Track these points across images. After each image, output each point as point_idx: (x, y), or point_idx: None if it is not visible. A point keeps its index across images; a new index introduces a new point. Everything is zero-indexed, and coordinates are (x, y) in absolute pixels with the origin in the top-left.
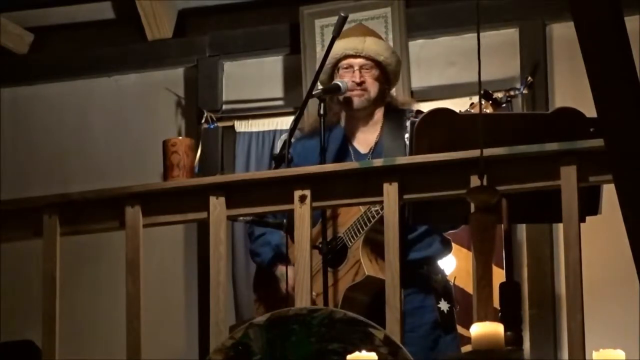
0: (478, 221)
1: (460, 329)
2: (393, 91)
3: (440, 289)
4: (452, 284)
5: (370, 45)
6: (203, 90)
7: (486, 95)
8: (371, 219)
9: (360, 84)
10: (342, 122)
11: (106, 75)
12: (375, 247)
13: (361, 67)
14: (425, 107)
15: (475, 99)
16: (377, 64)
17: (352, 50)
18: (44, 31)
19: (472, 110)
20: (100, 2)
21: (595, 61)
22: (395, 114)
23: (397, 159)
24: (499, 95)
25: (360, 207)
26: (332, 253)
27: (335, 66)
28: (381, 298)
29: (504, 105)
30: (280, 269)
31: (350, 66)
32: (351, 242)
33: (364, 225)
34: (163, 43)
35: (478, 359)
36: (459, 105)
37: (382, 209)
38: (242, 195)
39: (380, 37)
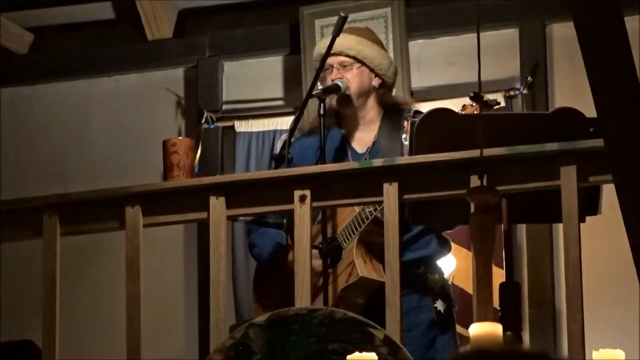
0: (478, 221)
1: (459, 329)
2: (394, 91)
3: (437, 289)
4: (450, 283)
5: (339, 40)
6: (203, 90)
7: (476, 97)
8: (365, 220)
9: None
10: (341, 123)
11: (106, 75)
12: (370, 248)
13: (340, 65)
14: (425, 107)
15: (467, 101)
16: (355, 59)
17: (324, 49)
18: (44, 31)
19: (464, 113)
20: (100, 2)
21: (595, 61)
22: (393, 114)
23: (397, 159)
24: (490, 97)
25: (355, 207)
26: (328, 253)
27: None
28: (375, 299)
29: (496, 107)
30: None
31: (331, 65)
32: (346, 242)
33: (358, 227)
34: (163, 43)
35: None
36: (459, 105)
37: (375, 209)
38: (242, 195)
39: (357, 33)
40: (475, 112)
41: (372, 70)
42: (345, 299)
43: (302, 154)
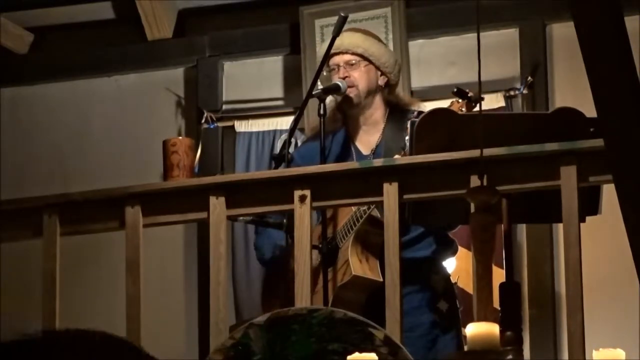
0: (478, 221)
1: None
2: (399, 91)
3: (440, 289)
4: (454, 283)
5: (346, 39)
6: (203, 90)
7: (460, 94)
8: (359, 219)
9: (344, 79)
10: (346, 125)
11: (106, 75)
12: (366, 247)
13: (346, 64)
14: (425, 107)
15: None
16: (362, 57)
17: (332, 49)
18: (44, 31)
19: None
20: (100, 2)
21: (595, 61)
22: (398, 115)
23: (397, 158)
24: (473, 94)
25: (352, 207)
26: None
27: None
28: (371, 298)
29: (476, 104)
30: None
31: (337, 65)
32: (342, 242)
33: (353, 226)
34: (163, 43)
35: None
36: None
37: (368, 208)
38: (242, 195)
39: (362, 32)
40: (462, 108)
41: (378, 68)
42: (340, 298)
43: (308, 157)
